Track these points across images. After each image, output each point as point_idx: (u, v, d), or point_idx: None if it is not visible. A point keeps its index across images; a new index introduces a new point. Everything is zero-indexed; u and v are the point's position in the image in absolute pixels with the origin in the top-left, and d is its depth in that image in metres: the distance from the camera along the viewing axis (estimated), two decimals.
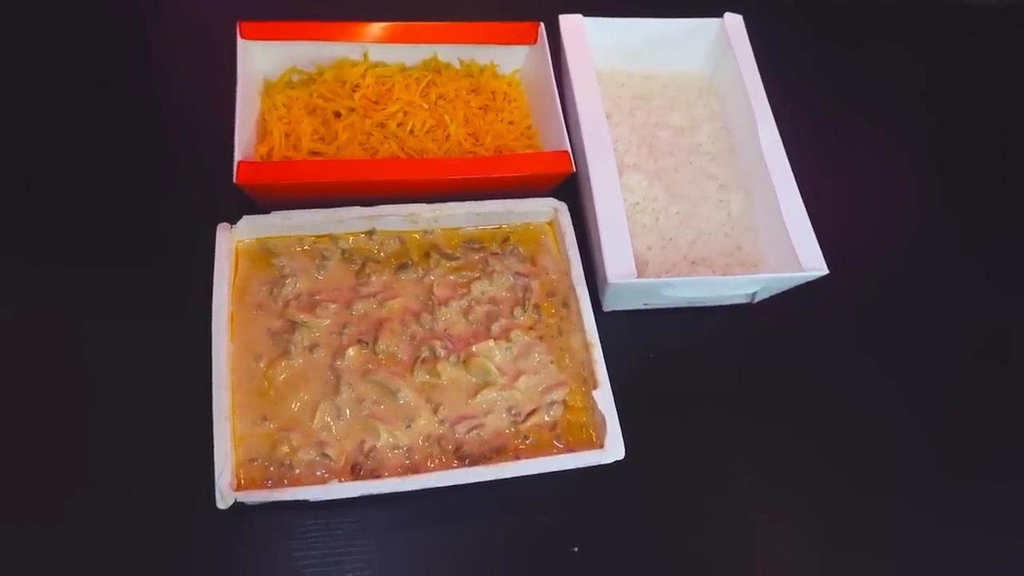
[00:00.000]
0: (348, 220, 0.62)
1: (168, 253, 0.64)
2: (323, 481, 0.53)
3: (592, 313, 0.60)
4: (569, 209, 0.64)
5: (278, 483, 0.52)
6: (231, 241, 0.59)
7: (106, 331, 0.60)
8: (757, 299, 0.67)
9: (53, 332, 0.60)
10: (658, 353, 0.65)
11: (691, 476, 0.61)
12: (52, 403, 0.57)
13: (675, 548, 0.58)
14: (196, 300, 0.57)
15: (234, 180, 0.59)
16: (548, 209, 0.65)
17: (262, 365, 0.56)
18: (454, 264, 0.63)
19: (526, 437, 0.57)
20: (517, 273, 0.63)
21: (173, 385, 0.57)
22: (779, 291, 0.64)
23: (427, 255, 0.63)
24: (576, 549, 0.56)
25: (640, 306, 0.65)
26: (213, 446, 0.51)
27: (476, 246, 0.64)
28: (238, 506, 0.50)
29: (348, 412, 0.55)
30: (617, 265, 0.58)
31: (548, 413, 0.57)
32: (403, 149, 0.66)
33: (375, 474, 0.53)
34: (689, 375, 0.65)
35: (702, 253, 0.65)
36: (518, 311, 0.61)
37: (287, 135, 0.66)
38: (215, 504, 0.50)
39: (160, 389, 0.57)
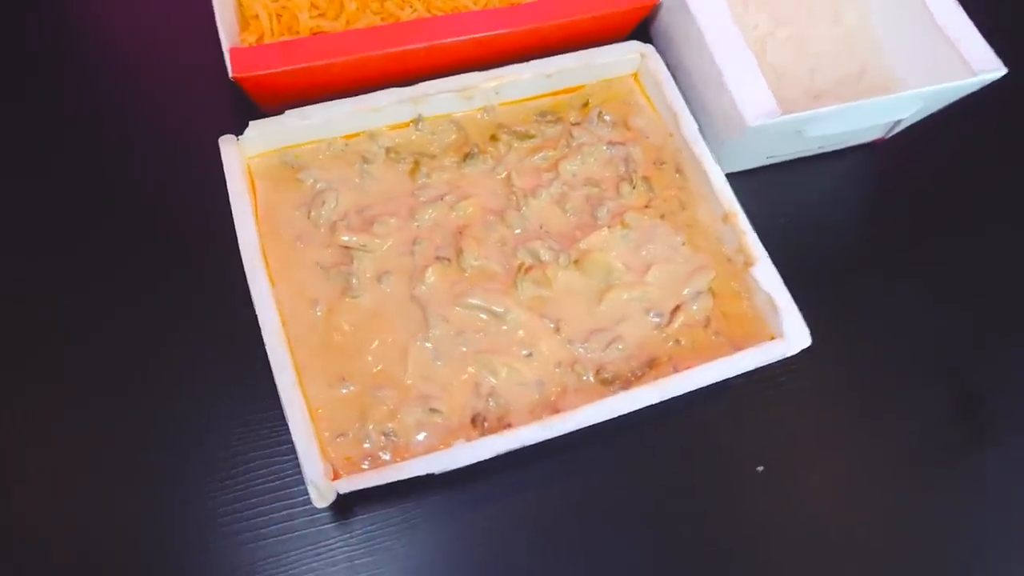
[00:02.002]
0: (386, 107, 0.46)
1: (163, 187, 0.48)
2: (442, 445, 0.39)
3: (722, 173, 0.47)
4: None
5: (377, 461, 0.39)
6: (240, 156, 0.44)
7: (109, 298, 0.45)
8: (894, 132, 0.54)
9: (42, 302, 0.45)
10: (790, 216, 0.53)
11: (875, 362, 0.49)
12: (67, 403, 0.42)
13: (882, 447, 0.46)
14: (212, 241, 0.43)
15: (230, 75, 0.43)
16: (633, 55, 0.50)
17: (320, 312, 0.42)
18: (530, 144, 0.49)
19: (678, 341, 0.44)
20: (611, 142, 0.49)
21: (215, 358, 0.43)
22: (929, 113, 0.51)
23: (494, 138, 0.48)
24: (760, 468, 0.45)
25: (763, 161, 0.52)
26: (288, 427, 0.37)
27: (551, 118, 0.50)
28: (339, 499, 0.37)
29: (448, 350, 0.42)
30: (755, 104, 0.45)
31: (695, 306, 0.45)
32: (431, 12, 0.51)
33: (503, 422, 0.40)
34: (835, 236, 0.53)
35: (824, 83, 0.52)
36: (625, 188, 0.48)
37: (278, 16, 0.50)
38: (310, 503, 0.36)
39: (201, 366, 0.44)
